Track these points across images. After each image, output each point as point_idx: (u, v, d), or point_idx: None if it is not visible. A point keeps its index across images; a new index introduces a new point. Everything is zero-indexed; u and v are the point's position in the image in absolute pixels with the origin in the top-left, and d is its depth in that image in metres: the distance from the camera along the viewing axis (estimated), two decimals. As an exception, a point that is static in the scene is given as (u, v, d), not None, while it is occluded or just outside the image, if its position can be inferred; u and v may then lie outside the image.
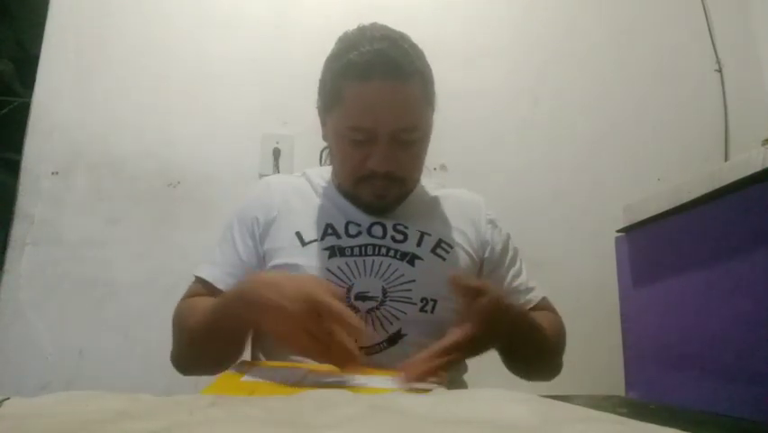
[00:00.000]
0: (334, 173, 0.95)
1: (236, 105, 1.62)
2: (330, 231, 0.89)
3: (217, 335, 0.75)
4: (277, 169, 1.58)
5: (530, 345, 0.81)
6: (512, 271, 0.97)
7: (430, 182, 1.04)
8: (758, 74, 1.86)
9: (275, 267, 0.86)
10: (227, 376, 0.60)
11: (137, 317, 1.45)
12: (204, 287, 0.88)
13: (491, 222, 0.98)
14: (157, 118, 1.58)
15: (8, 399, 0.40)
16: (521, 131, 1.74)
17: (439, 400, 0.42)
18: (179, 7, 1.66)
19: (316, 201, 0.94)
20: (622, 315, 1.40)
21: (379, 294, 0.84)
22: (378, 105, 0.82)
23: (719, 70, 1.83)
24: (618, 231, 1.42)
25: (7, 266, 1.43)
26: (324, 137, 0.94)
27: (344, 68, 0.83)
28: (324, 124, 0.92)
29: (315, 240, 0.87)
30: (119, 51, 1.61)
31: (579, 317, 1.65)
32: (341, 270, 0.85)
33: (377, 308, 0.83)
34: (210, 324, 0.76)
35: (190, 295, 0.90)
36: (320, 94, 0.90)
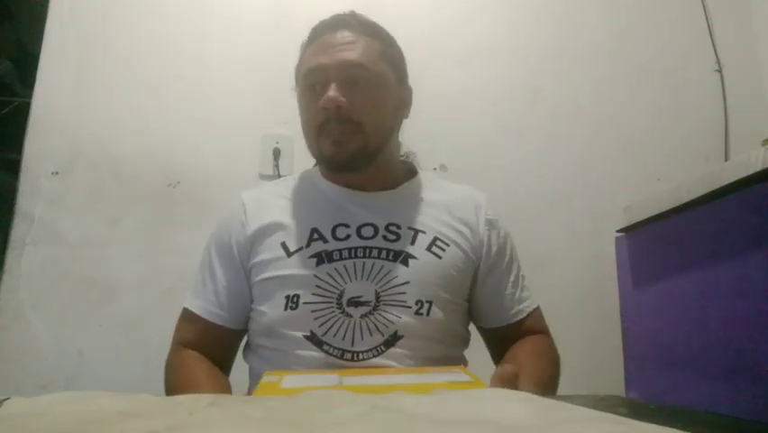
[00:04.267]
0: (306, 143, 0.92)
1: (236, 105, 1.62)
2: (316, 236, 0.86)
3: None
4: (277, 169, 1.59)
5: None
6: (507, 277, 0.93)
7: (428, 175, 1.01)
8: (758, 74, 1.86)
9: (262, 281, 0.86)
10: (265, 384, 0.59)
11: (137, 317, 1.45)
12: (191, 317, 0.89)
13: (490, 222, 0.94)
14: (157, 118, 1.59)
15: (8, 399, 0.40)
16: (520, 131, 1.74)
17: (439, 400, 0.42)
18: (179, 7, 1.66)
19: (301, 206, 0.91)
20: (622, 315, 1.40)
21: (372, 298, 0.82)
22: (328, 46, 0.86)
23: (719, 70, 1.83)
24: (618, 231, 1.42)
25: (7, 266, 1.43)
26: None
27: (306, 39, 0.92)
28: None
29: (300, 248, 0.85)
30: (119, 51, 1.61)
31: (579, 317, 1.66)
32: (330, 276, 0.83)
33: (370, 313, 0.81)
34: None
35: (181, 337, 0.90)
36: (295, 82, 0.95)
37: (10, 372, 1.37)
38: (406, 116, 0.96)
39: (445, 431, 0.34)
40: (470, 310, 0.94)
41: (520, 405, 0.40)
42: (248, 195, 0.95)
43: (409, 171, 0.99)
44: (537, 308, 0.95)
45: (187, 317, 0.90)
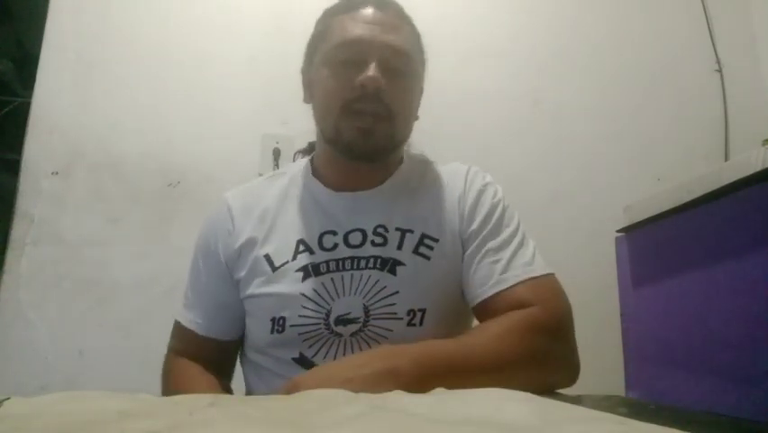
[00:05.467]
0: (318, 120, 0.83)
1: (236, 105, 1.62)
2: (302, 248, 0.80)
3: None
4: (277, 169, 1.58)
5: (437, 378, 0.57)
6: (487, 246, 0.78)
7: (416, 158, 0.91)
8: (758, 74, 1.86)
9: (248, 298, 0.81)
10: None
11: (137, 317, 1.45)
12: (183, 328, 0.86)
13: (478, 191, 0.84)
14: (157, 118, 1.59)
15: (8, 399, 0.40)
16: (521, 131, 1.74)
17: (439, 400, 0.42)
18: (179, 7, 1.66)
19: (286, 211, 0.84)
20: (622, 315, 1.40)
21: (361, 314, 0.76)
22: (368, 22, 0.78)
23: (719, 70, 1.83)
24: (618, 231, 1.42)
25: (7, 266, 1.43)
26: (307, 96, 0.87)
27: (336, 7, 0.82)
28: (307, 80, 0.87)
29: (286, 262, 0.79)
30: (119, 51, 1.61)
31: (579, 318, 1.65)
32: (316, 292, 0.77)
33: (360, 331, 0.75)
34: None
35: (174, 346, 0.86)
36: (306, 49, 0.87)
37: (10, 372, 1.37)
38: (417, 118, 0.87)
39: (445, 431, 0.34)
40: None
41: (520, 405, 0.40)
42: (234, 198, 0.88)
43: (398, 160, 0.89)
44: (526, 282, 0.74)
45: (180, 326, 0.86)
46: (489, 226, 0.80)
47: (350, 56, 0.77)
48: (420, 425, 0.35)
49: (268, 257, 0.80)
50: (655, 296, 1.27)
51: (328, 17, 0.83)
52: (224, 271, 0.84)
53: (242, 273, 0.82)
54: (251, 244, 0.83)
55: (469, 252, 0.79)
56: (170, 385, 0.82)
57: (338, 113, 0.77)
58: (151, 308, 1.44)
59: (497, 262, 0.76)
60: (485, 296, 0.75)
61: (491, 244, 0.78)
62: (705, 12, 1.86)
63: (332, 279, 0.78)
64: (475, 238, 0.80)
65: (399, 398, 0.44)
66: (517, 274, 0.75)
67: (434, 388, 0.52)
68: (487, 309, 0.75)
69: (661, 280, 1.26)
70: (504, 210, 0.83)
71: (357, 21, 0.78)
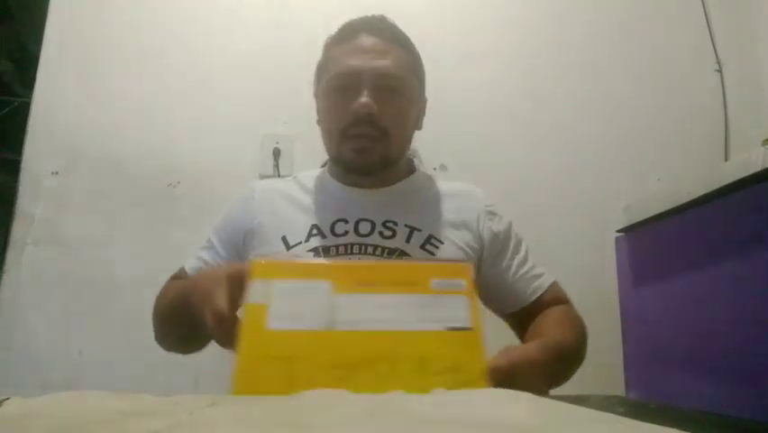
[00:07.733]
0: (325, 142, 0.94)
1: (236, 105, 1.62)
2: (315, 231, 0.88)
3: (179, 315, 0.75)
4: (277, 169, 1.58)
5: (556, 377, 0.76)
6: (516, 260, 0.95)
7: (425, 173, 1.03)
8: (758, 74, 1.86)
9: None
10: (252, 326, 0.53)
11: (137, 318, 1.44)
12: (183, 275, 0.95)
13: (490, 213, 0.96)
14: (157, 118, 1.59)
15: (8, 399, 0.40)
16: (521, 131, 1.74)
17: (439, 401, 0.42)
18: (179, 7, 1.66)
19: (304, 202, 0.94)
20: (622, 315, 1.40)
21: None
22: (361, 51, 0.87)
23: (719, 70, 1.83)
24: (618, 231, 1.42)
25: (7, 266, 1.43)
26: (318, 119, 0.96)
27: (335, 36, 0.92)
28: (318, 106, 0.96)
29: (299, 243, 0.87)
30: (119, 52, 1.61)
31: (579, 317, 1.66)
32: None
33: None
34: (173, 307, 0.80)
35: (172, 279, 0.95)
36: (315, 75, 0.96)
37: (10, 372, 1.37)
38: (420, 128, 0.98)
39: (445, 431, 0.34)
40: (485, 300, 0.94)
41: (520, 405, 0.40)
42: (259, 186, 0.98)
43: (407, 169, 1.00)
44: (554, 283, 0.95)
45: (180, 275, 0.96)
46: (511, 247, 0.95)
47: (344, 85, 0.87)
48: (420, 425, 0.35)
49: (284, 239, 0.88)
50: (655, 296, 1.27)
51: (329, 48, 0.93)
52: (235, 248, 0.93)
53: (258, 251, 0.89)
54: (266, 225, 0.90)
55: (497, 267, 0.93)
56: (158, 297, 0.91)
57: (338, 137, 0.88)
58: (151, 309, 1.44)
59: (525, 274, 0.94)
60: (529, 301, 0.93)
61: (517, 261, 0.95)
62: (705, 12, 1.86)
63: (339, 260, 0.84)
64: (499, 256, 0.94)
65: (399, 398, 0.44)
66: (545, 281, 0.95)
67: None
68: (529, 310, 0.92)
69: (661, 280, 1.26)
70: (515, 230, 0.98)
71: (351, 51, 0.88)
